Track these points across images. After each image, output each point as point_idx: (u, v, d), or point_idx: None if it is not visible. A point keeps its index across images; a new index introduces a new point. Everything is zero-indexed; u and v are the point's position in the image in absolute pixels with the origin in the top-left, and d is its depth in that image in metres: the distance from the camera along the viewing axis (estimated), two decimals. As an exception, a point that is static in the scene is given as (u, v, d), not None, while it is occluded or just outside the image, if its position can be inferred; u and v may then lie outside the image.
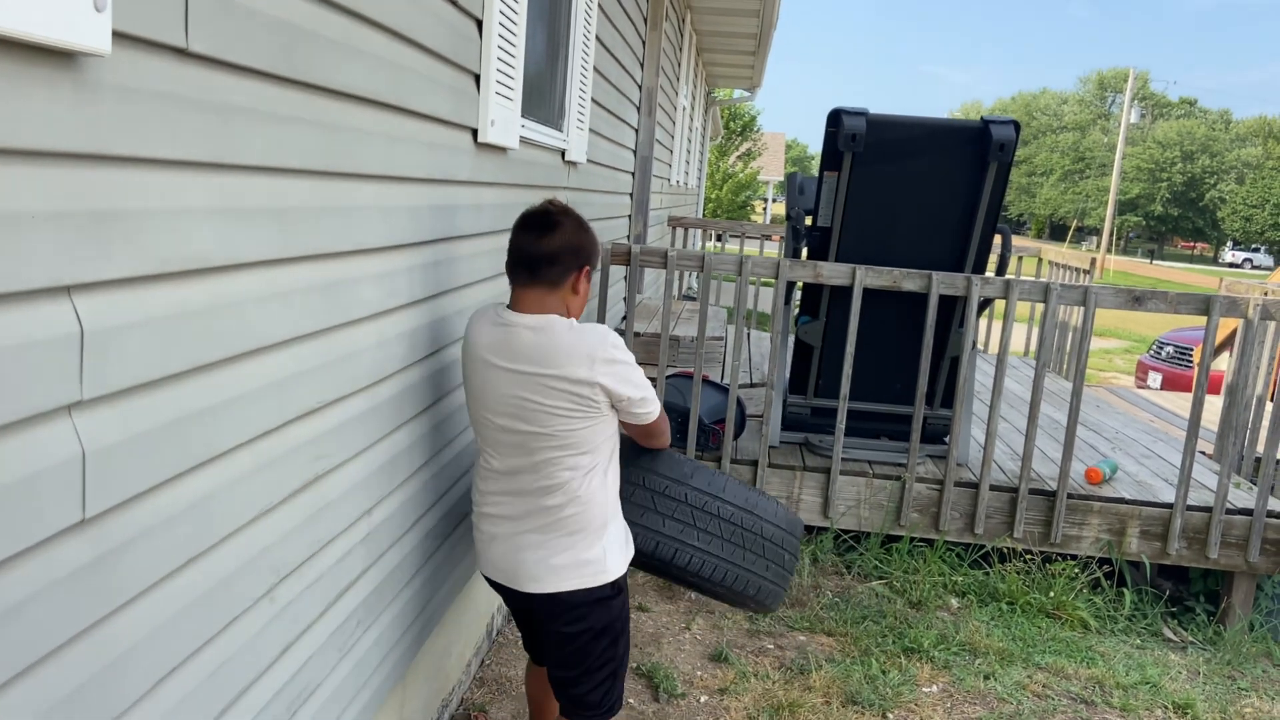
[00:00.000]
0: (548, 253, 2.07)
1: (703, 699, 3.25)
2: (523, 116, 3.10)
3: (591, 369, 2.00)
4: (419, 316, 2.25)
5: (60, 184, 1.06)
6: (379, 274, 1.98)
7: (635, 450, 2.43)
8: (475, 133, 2.62)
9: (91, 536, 1.14)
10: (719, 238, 10.32)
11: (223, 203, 1.38)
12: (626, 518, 2.35)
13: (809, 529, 4.63)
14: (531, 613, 2.24)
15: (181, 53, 1.24)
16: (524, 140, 3.14)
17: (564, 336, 2.03)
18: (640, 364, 5.32)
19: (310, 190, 1.65)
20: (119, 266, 1.15)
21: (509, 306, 2.11)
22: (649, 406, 2.14)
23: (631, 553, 2.26)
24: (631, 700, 3.19)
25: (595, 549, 2.11)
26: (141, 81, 1.17)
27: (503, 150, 2.90)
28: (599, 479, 2.11)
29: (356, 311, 1.87)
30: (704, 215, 19.20)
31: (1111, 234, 37.57)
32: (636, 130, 6.43)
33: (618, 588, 2.17)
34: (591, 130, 4.52)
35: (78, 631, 1.13)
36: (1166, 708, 3.45)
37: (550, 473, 2.07)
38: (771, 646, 3.69)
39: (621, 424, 2.18)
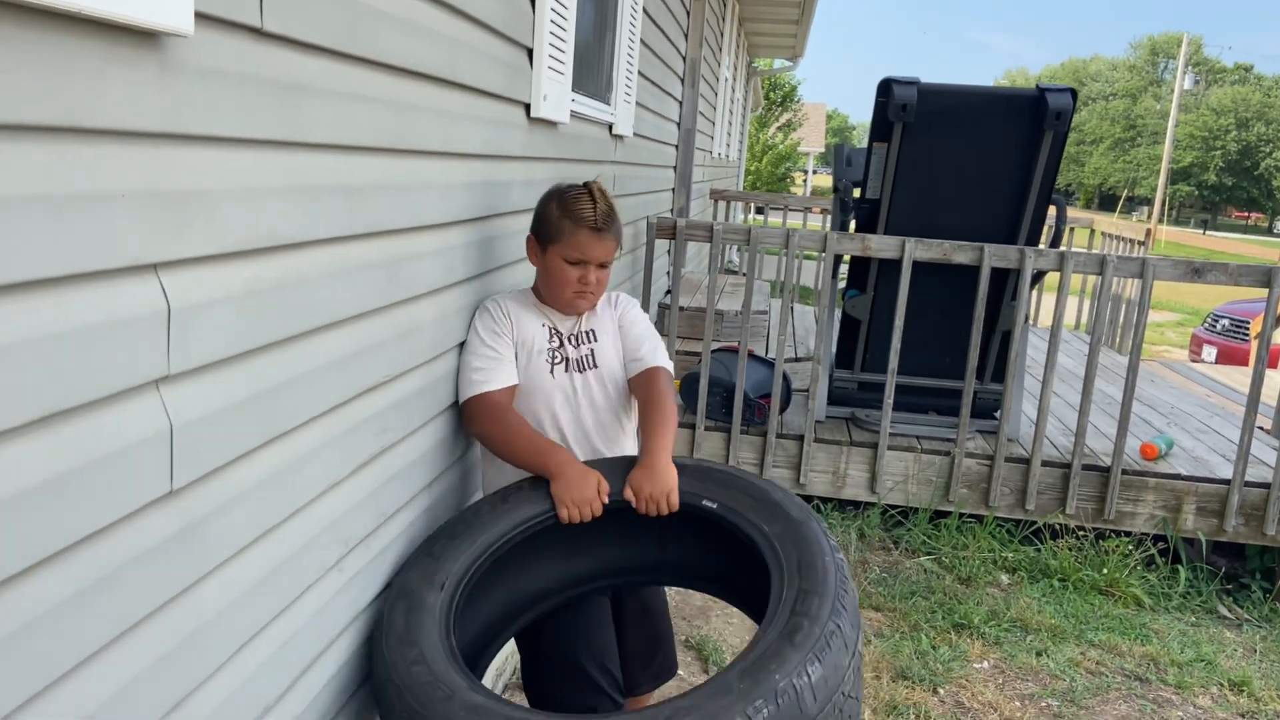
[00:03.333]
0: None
1: (753, 671, 3.27)
2: (573, 90, 3.10)
3: None
4: (475, 292, 2.27)
5: (146, 164, 1.08)
6: (437, 250, 1.99)
7: None
8: (528, 107, 2.62)
9: (178, 508, 1.17)
10: (760, 210, 10.25)
11: (294, 181, 1.40)
12: None
13: (855, 504, 4.62)
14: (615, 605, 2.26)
15: (256, 32, 1.25)
16: (574, 114, 3.13)
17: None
18: (684, 338, 5.33)
19: (374, 167, 1.66)
20: (201, 244, 1.17)
21: None
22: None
23: None
24: (681, 672, 3.22)
25: None
26: (220, 61, 1.19)
27: (554, 125, 2.90)
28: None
29: (417, 287, 1.89)
30: (744, 188, 19.05)
31: (1163, 204, 36.70)
32: (680, 103, 6.39)
33: None
34: (638, 104, 4.50)
35: (166, 599, 1.16)
36: (1222, 685, 3.41)
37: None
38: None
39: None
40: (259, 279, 1.32)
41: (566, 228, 2.10)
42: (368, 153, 1.64)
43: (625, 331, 2.26)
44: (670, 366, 2.25)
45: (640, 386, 2.20)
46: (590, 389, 2.20)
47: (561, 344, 2.19)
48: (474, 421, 2.10)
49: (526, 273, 2.75)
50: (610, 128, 3.90)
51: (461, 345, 2.20)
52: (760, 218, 10.23)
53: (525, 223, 2.68)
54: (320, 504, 1.56)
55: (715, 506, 1.94)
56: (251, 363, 1.31)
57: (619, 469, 2.01)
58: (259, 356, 1.33)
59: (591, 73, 3.61)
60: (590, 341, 2.23)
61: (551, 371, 2.17)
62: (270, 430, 1.37)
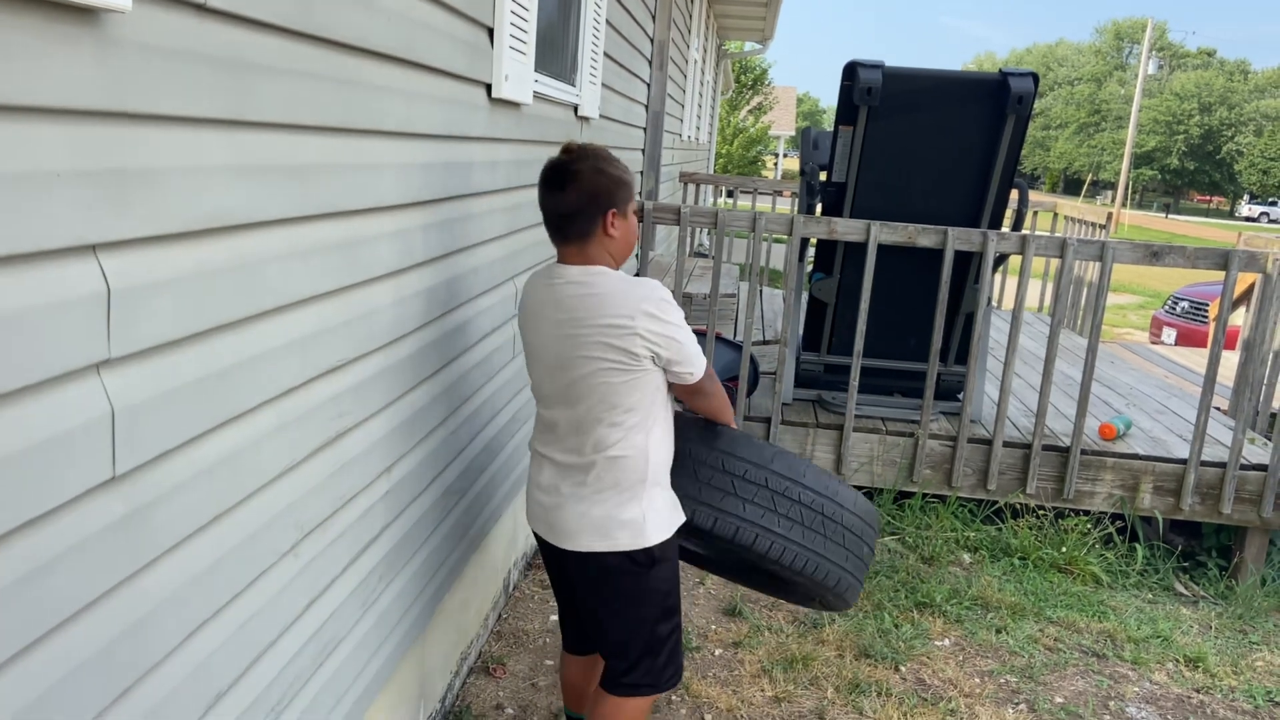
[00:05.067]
0: (565, 211, 2.03)
1: (717, 652, 3.29)
2: (536, 71, 3.07)
3: (633, 321, 1.96)
4: (435, 274, 2.25)
5: (83, 142, 1.05)
6: (396, 231, 1.97)
7: (712, 431, 2.31)
8: (489, 88, 2.59)
9: (122, 493, 1.15)
10: (730, 193, 10.25)
11: (242, 160, 1.38)
12: (705, 500, 2.25)
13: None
14: (569, 579, 2.20)
15: (200, 9, 1.23)
16: (537, 95, 3.11)
17: (610, 286, 1.99)
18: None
19: (328, 147, 1.64)
20: (143, 225, 1.15)
21: (558, 262, 2.10)
22: (690, 366, 2.06)
23: (677, 522, 2.14)
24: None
25: (632, 510, 2.04)
26: (161, 38, 1.16)
27: (516, 106, 2.87)
28: (642, 437, 2.04)
29: (374, 269, 1.87)
30: (715, 170, 19.03)
31: (1127, 188, 37.15)
32: (648, 85, 6.36)
33: (654, 558, 2.08)
34: (604, 85, 4.47)
35: (110, 586, 1.15)
36: (1178, 661, 3.48)
37: (593, 427, 2.03)
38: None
39: (672, 387, 2.13)
40: (207, 260, 1.30)
41: (628, 180, 2.11)
42: (322, 132, 1.62)
43: None
44: None
45: None
46: None
47: None
48: (709, 391, 2.18)
49: (490, 255, 2.74)
50: (576, 109, 3.87)
51: (424, 326, 2.18)
52: (731, 201, 10.23)
53: (488, 204, 2.67)
54: (274, 488, 1.55)
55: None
56: (200, 345, 1.29)
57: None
58: (208, 339, 1.31)
59: (556, 54, 3.58)
60: None
61: None
62: (221, 414, 1.36)
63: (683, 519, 2.17)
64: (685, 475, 2.23)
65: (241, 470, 1.44)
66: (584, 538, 2.07)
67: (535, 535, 2.21)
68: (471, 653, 3.07)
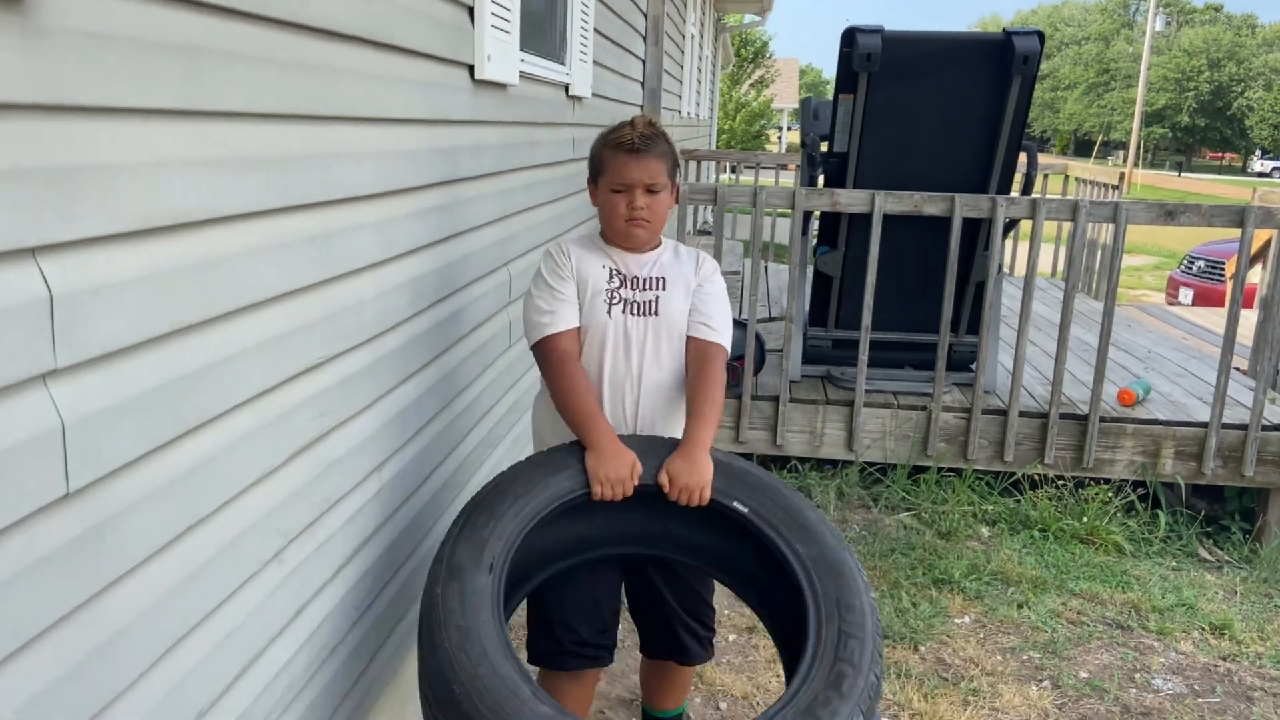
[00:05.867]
0: None
1: (730, 638, 3.23)
2: (522, 50, 2.98)
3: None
4: (422, 264, 2.17)
5: (14, 139, 0.98)
6: (377, 221, 1.90)
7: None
8: (471, 69, 2.51)
9: (79, 510, 1.09)
10: (733, 169, 10.12)
11: (204, 153, 1.31)
12: None
13: (833, 463, 4.58)
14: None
15: (139, -9, 1.15)
16: (524, 75, 3.02)
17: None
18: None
19: (297, 136, 1.57)
20: (89, 225, 1.08)
21: None
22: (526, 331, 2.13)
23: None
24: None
25: None
26: (100, 24, 1.09)
27: (502, 87, 2.79)
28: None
29: (355, 262, 1.80)
30: (717, 147, 18.85)
31: (1138, 147, 36.71)
32: (643, 61, 6.25)
33: None
34: (596, 63, 4.37)
35: (72, 608, 1.08)
36: (1204, 629, 3.40)
37: None
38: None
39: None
40: (165, 260, 1.23)
41: (606, 156, 2.08)
42: (290, 120, 1.55)
43: (702, 293, 2.14)
44: (729, 351, 2.15)
45: (697, 356, 2.09)
46: (646, 337, 2.08)
47: (621, 284, 2.09)
48: (542, 365, 2.09)
49: (482, 240, 2.66)
50: (566, 89, 3.78)
51: (412, 318, 2.12)
52: (734, 177, 10.11)
53: (476, 189, 2.59)
54: (252, 495, 1.49)
55: (746, 512, 1.94)
56: (161, 350, 1.22)
57: (657, 451, 1.97)
58: (170, 342, 1.24)
59: (543, 32, 3.49)
60: (657, 289, 2.11)
61: (609, 311, 2.07)
62: (187, 420, 1.29)
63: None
64: None
65: (215, 477, 1.38)
66: None
67: None
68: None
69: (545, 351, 2.05)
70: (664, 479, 1.93)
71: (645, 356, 2.08)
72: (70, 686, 1.09)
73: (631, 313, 2.07)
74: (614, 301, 2.07)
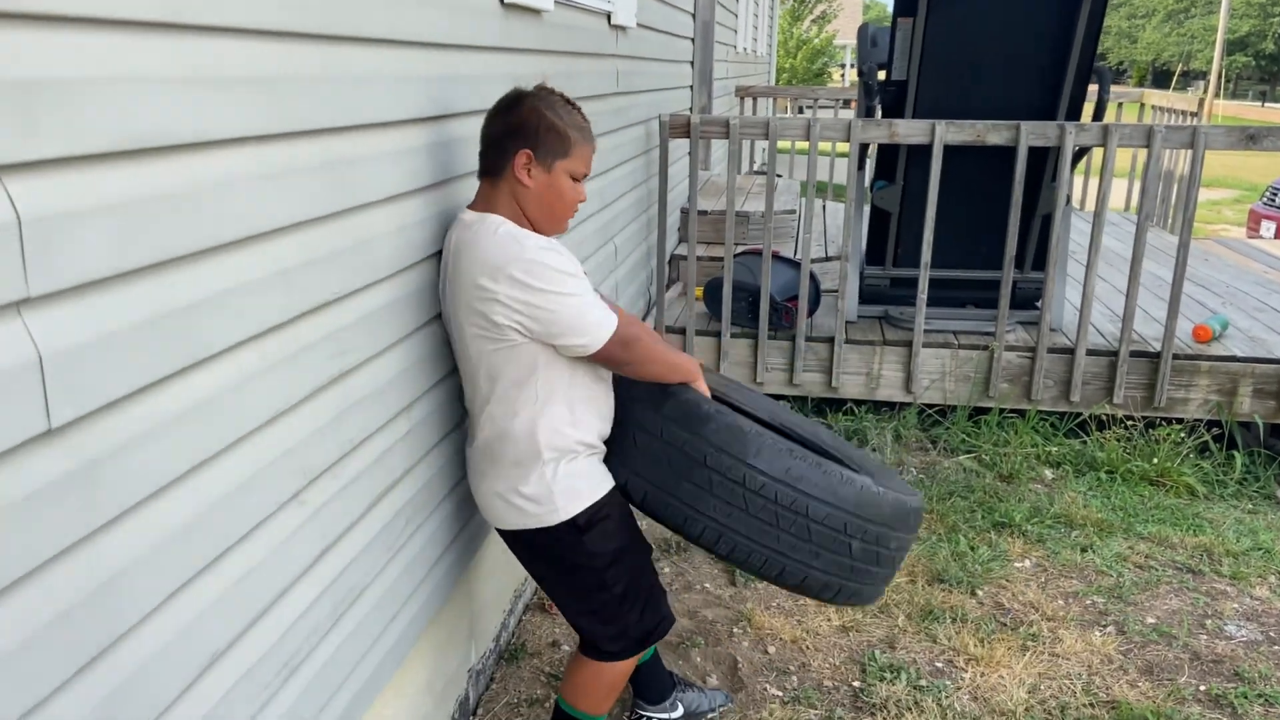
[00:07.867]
0: (487, 134, 1.90)
1: (781, 582, 3.16)
2: (558, -25, 2.85)
3: (495, 284, 1.74)
4: (446, 200, 2.09)
5: (-32, 49, 0.91)
6: (394, 152, 1.82)
7: (661, 393, 2.00)
8: (501, -8, 2.40)
9: (64, 447, 1.04)
10: (801, 110, 9.83)
11: (193, 70, 1.23)
12: (640, 471, 1.99)
13: (890, 406, 4.44)
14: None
15: (108, -110, 1.07)
16: (561, 2, 2.90)
17: (486, 241, 1.78)
18: (708, 243, 5.11)
19: (301, 56, 1.48)
20: (58, 144, 1.01)
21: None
22: (578, 337, 1.79)
23: (601, 490, 1.94)
24: (708, 585, 3.12)
25: (535, 485, 1.89)
26: (62, -74, 1.01)
27: (536, 12, 2.67)
28: (529, 415, 1.85)
29: (370, 194, 1.72)
30: (777, 85, 18.37)
31: (1220, 76, 34.92)
32: (695, -8, 6.03)
33: (579, 527, 1.91)
34: (641, -8, 4.21)
35: (63, 548, 1.04)
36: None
37: (479, 398, 1.90)
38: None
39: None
40: (149, 183, 1.16)
41: (575, 140, 1.87)
42: (293, 39, 1.46)
43: None
44: None
45: None
46: None
47: None
48: (621, 357, 1.87)
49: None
50: (609, 17, 3.64)
51: (434, 256, 2.04)
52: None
53: (507, 121, 2.48)
54: (268, 433, 1.43)
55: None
56: (148, 280, 1.16)
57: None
58: (158, 273, 1.18)
59: (583, -43, 3.34)
60: None
61: None
62: (187, 355, 1.23)
63: (610, 485, 1.97)
64: (625, 439, 2.00)
65: (224, 415, 1.32)
66: (494, 514, 1.99)
67: None
68: (526, 590, 2.99)
69: (621, 341, 1.84)
70: None
71: None
72: (67, 625, 1.05)
73: None
74: None
